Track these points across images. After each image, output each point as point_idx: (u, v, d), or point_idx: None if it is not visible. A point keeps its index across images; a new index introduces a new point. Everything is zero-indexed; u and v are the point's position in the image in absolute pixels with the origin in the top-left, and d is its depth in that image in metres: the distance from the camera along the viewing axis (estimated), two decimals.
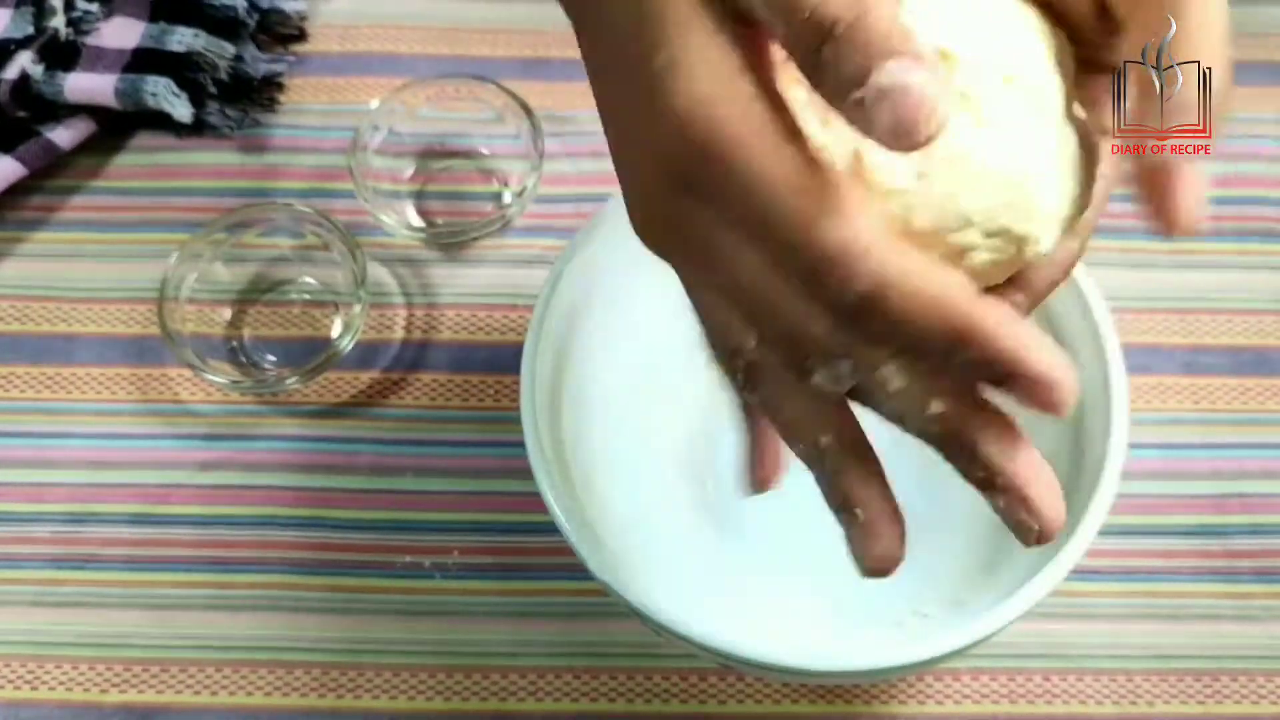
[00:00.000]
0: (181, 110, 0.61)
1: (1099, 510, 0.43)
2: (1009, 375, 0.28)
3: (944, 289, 0.28)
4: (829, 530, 0.51)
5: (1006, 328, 0.28)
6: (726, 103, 0.28)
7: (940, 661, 0.42)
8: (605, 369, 0.51)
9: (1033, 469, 0.31)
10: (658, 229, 0.31)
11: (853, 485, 0.33)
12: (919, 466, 0.45)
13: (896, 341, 0.29)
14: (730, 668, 0.49)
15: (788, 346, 0.30)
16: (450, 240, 0.60)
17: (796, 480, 0.52)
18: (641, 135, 0.30)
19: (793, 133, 0.28)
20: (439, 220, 0.62)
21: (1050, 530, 0.31)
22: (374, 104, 0.61)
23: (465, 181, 0.63)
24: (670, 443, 0.53)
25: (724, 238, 0.29)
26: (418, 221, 0.61)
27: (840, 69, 0.27)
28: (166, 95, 0.61)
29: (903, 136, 0.26)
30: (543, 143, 0.60)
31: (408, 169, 0.62)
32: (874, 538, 0.33)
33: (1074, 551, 0.42)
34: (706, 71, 0.29)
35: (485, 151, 0.63)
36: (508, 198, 0.61)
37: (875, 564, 0.33)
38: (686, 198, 0.29)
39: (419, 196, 0.62)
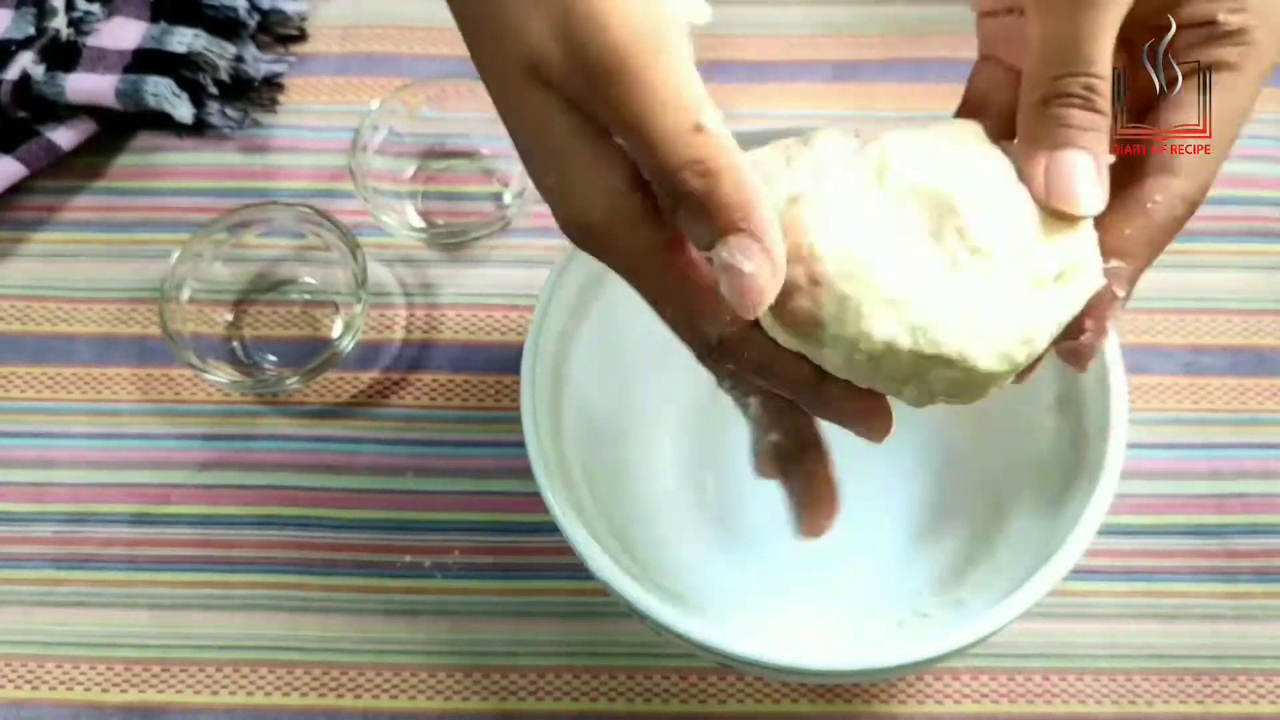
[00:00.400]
0: (182, 110, 0.62)
1: (1098, 510, 0.42)
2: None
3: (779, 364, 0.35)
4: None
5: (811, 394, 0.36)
6: (616, 233, 0.34)
7: (940, 661, 0.42)
8: (606, 368, 0.51)
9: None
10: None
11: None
12: (920, 469, 0.45)
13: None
14: (730, 667, 0.49)
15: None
16: (450, 240, 0.60)
17: None
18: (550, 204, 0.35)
19: (672, 244, 0.34)
20: (439, 220, 0.62)
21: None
22: (374, 104, 0.61)
23: (465, 182, 0.63)
24: (671, 443, 0.53)
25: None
26: (418, 222, 0.61)
27: (692, 232, 0.32)
28: (167, 95, 0.61)
29: (739, 309, 0.32)
30: None
31: (408, 169, 0.62)
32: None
33: (1073, 551, 0.42)
34: (597, 199, 0.33)
35: (485, 151, 0.63)
36: (508, 198, 0.61)
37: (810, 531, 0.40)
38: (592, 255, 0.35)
39: (419, 197, 0.62)
